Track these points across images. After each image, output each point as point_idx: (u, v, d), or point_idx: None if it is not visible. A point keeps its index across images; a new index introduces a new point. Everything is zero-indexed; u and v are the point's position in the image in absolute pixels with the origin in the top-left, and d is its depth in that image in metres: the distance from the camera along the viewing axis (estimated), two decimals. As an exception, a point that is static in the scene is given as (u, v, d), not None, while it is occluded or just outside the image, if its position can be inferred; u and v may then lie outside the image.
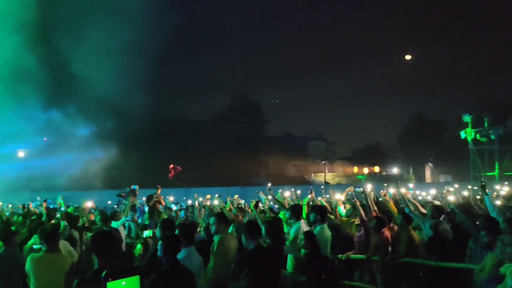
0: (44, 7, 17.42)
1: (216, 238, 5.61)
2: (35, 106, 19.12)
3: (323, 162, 48.18)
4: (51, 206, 12.56)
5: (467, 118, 32.23)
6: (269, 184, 9.59)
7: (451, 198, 9.18)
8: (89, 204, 10.61)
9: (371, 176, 38.92)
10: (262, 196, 11.44)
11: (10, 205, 13.38)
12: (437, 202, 9.16)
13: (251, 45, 68.42)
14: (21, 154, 23.02)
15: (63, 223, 7.62)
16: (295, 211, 6.70)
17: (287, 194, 11.21)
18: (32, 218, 9.17)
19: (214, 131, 47.81)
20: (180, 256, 4.24)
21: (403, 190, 8.81)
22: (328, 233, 6.41)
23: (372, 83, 67.79)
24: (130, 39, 20.47)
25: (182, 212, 10.57)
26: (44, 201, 10.98)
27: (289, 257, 6.29)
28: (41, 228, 6.23)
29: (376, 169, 39.59)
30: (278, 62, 72.33)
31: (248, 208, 11.01)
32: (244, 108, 48.98)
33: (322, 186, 13.06)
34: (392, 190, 10.64)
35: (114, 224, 8.66)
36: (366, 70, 73.72)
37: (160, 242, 4.19)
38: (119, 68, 19.96)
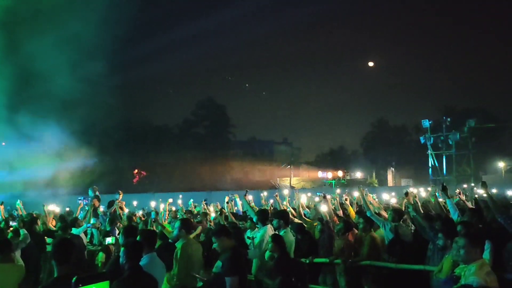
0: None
1: (178, 244, 5.59)
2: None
3: (288, 166, 48.61)
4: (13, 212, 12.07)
5: (426, 124, 33.43)
6: (247, 190, 9.70)
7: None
8: (51, 208, 10.24)
9: (335, 181, 39.57)
10: (238, 199, 11.67)
11: None
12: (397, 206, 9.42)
13: (217, 48, 68.22)
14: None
15: (23, 231, 7.36)
16: (262, 215, 6.74)
17: (249, 197, 11.30)
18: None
19: (180, 136, 47.30)
20: (142, 262, 4.17)
21: (366, 193, 9.01)
22: (291, 237, 6.48)
23: (336, 88, 69.10)
24: (96, 40, 20.07)
25: (153, 214, 10.45)
26: (1, 204, 10.50)
27: (254, 261, 6.31)
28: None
29: (340, 173, 40.27)
30: (244, 66, 72.48)
31: (212, 212, 11.02)
32: (210, 112, 48.74)
33: (286, 191, 13.22)
34: (356, 194, 10.87)
35: (75, 230, 8.44)
36: (330, 76, 75.10)
37: (122, 249, 4.12)
38: (84, 70, 19.53)
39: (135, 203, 15.01)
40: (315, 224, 8.04)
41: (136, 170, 43.17)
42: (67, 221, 9.45)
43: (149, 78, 51.61)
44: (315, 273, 7.07)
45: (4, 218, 10.14)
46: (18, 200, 10.92)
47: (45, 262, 7.94)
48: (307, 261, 6.92)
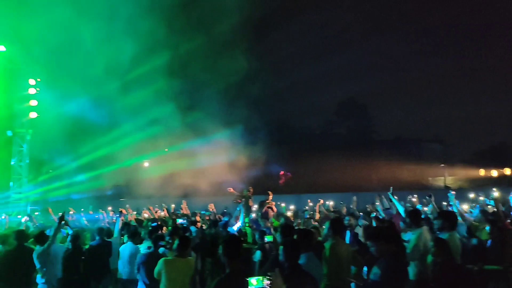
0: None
1: (327, 245, 5.59)
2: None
3: (442, 165, 44.90)
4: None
5: None
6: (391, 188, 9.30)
7: None
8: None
9: (501, 179, 35.06)
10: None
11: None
12: None
13: (357, 48, 66.51)
14: (146, 164, 25.25)
15: (193, 228, 8.18)
16: (415, 216, 6.36)
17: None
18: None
19: (322, 137, 47.50)
20: (301, 261, 4.23)
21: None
22: (457, 240, 5.91)
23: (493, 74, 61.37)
24: (247, 44, 20.65)
25: (306, 213, 10.77)
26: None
27: (412, 264, 5.94)
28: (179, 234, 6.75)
29: (507, 171, 35.40)
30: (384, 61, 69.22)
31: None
32: (352, 112, 47.95)
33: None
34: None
35: (230, 229, 9.05)
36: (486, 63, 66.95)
37: (281, 247, 4.24)
38: (233, 79, 20.45)
39: (282, 204, 15.47)
40: (481, 227, 7.25)
41: (282, 172, 44.55)
42: (216, 220, 10.17)
43: (291, 81, 52.93)
44: (484, 282, 6.35)
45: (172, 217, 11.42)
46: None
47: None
48: (475, 268, 6.26)
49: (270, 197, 12.60)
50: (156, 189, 19.48)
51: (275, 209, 12.88)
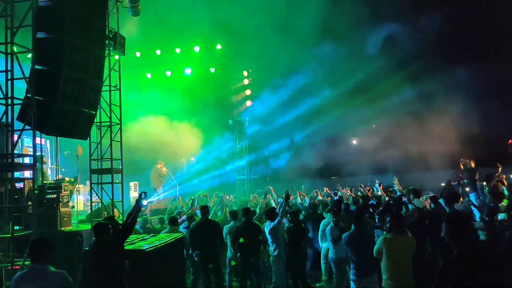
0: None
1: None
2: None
3: None
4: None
5: None
6: None
7: None
8: None
9: None
10: None
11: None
12: None
13: None
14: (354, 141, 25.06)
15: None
16: None
17: None
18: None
19: None
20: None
21: None
22: None
23: None
24: None
25: None
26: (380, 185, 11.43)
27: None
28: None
29: None
30: None
31: None
32: None
33: None
34: None
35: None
36: None
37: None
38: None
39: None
40: None
41: (510, 141, 38.42)
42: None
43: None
44: None
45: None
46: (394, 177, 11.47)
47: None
48: None
49: (499, 169, 11.03)
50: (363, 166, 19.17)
51: (505, 182, 11.19)
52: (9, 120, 7.65)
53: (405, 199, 8.71)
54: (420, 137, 18.38)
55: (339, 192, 12.68)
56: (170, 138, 18.48)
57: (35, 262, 4.12)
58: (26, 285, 4.07)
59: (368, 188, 12.28)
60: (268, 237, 7.95)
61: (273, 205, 9.91)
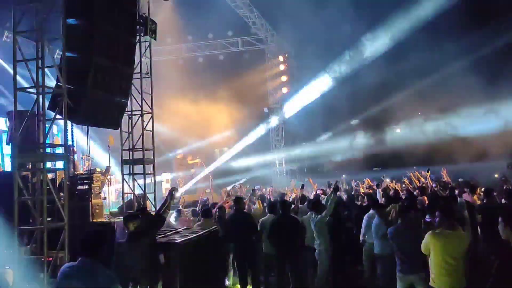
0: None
1: None
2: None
3: None
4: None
5: None
6: None
7: None
8: None
9: None
10: None
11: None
12: None
13: None
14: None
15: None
16: None
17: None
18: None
19: None
20: None
21: None
22: None
23: None
24: None
25: None
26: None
27: None
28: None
29: None
30: None
31: None
32: None
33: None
34: None
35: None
36: None
37: None
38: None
39: None
40: None
41: None
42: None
43: None
44: None
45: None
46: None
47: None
48: None
49: None
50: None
51: None
52: (41, 109, 7.46)
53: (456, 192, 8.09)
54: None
55: (382, 184, 12.02)
56: (202, 129, 18.33)
57: (84, 256, 3.83)
58: (73, 280, 3.79)
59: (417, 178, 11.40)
60: (314, 230, 7.65)
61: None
